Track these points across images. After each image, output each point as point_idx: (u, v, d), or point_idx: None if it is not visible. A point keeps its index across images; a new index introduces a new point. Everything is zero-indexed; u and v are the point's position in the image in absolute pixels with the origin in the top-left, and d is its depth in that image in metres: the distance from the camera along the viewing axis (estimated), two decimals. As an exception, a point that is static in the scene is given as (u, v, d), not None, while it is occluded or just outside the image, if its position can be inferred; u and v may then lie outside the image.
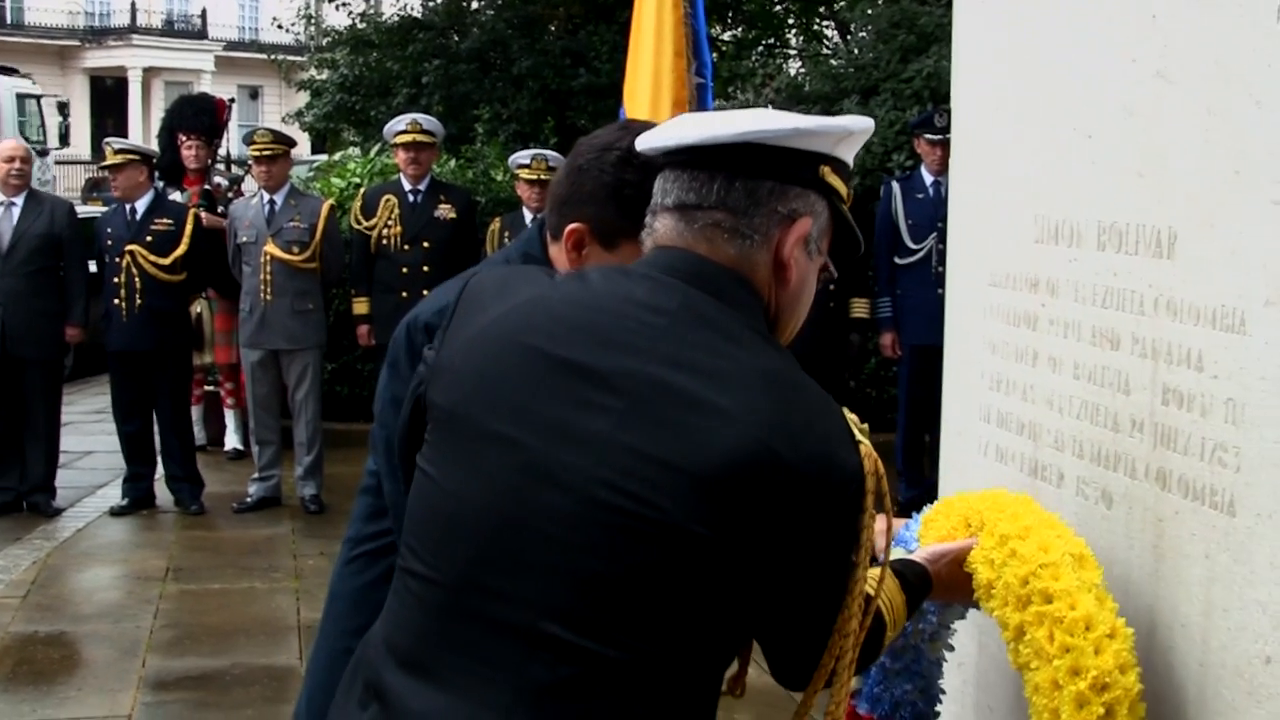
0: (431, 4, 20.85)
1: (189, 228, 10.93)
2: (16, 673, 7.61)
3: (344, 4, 22.31)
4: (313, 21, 24.29)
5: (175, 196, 11.76)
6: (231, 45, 55.60)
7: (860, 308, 10.93)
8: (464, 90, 18.60)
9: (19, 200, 10.79)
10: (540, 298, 2.45)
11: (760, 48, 19.37)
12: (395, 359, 3.49)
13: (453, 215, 11.31)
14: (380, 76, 19.63)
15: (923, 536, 3.44)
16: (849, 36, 18.26)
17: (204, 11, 58.07)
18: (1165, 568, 3.10)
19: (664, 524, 2.21)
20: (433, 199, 11.33)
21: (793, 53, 19.06)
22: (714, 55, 7.28)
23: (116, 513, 10.93)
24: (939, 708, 3.64)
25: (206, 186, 12.22)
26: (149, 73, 56.00)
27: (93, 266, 11.21)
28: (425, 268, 10.93)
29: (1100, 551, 3.18)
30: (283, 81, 21.27)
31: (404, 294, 10.90)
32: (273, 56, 27.19)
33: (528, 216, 10.97)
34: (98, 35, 57.27)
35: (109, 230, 10.94)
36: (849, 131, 2.55)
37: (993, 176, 3.86)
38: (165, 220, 10.92)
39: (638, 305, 2.39)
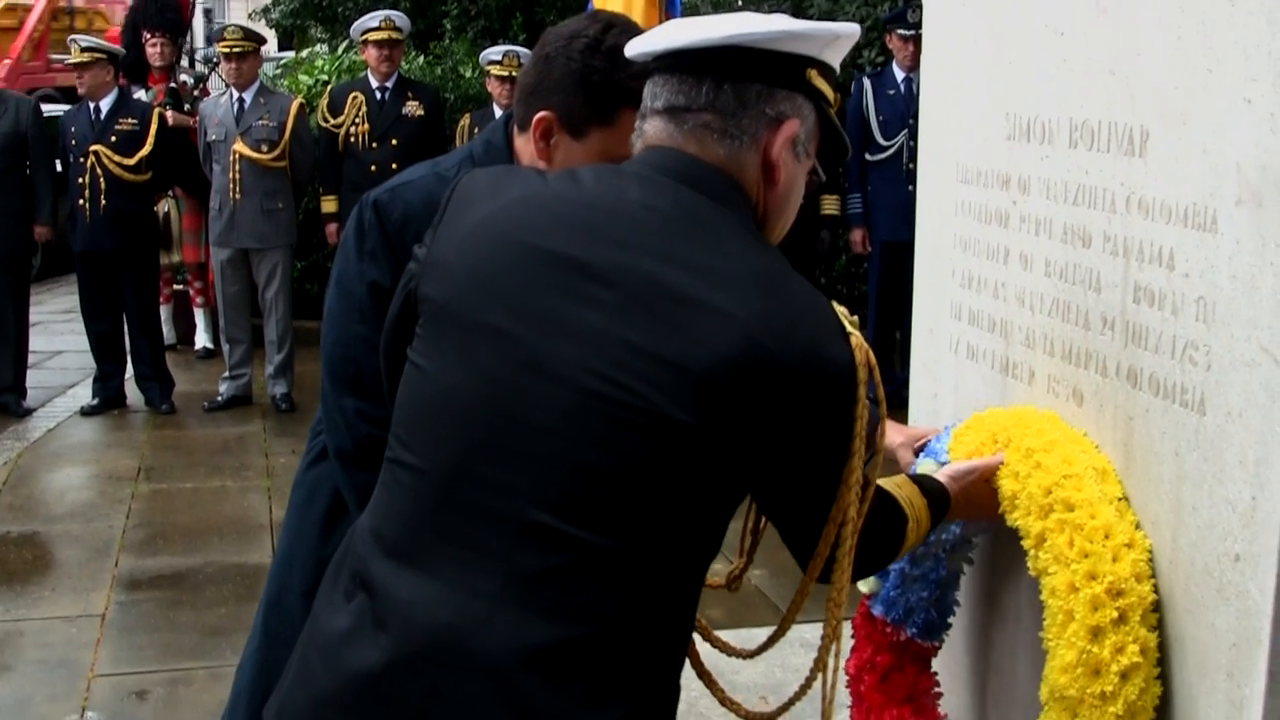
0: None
1: (154, 127, 10.84)
2: (-11, 573, 7.62)
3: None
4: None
5: (140, 95, 11.65)
6: (197, -60, 55.02)
7: (831, 204, 10.90)
8: (431, -14, 18.44)
9: (-18, 100, 10.69)
10: (533, 195, 2.46)
11: (730, -57, 19.23)
12: (345, 238, 3.51)
13: (420, 112, 11.25)
14: (347, -28, 19.44)
15: (952, 450, 3.46)
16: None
17: (168, -95, 57.33)
18: (1135, 466, 3.12)
19: (654, 415, 2.24)
20: (400, 96, 11.26)
21: (763, -53, 18.91)
22: (684, -48, 7.23)
23: (87, 412, 10.91)
24: (951, 619, 3.67)
25: (172, 84, 12.11)
26: (113, -32, 55.40)
27: (58, 166, 11.12)
28: (393, 165, 10.84)
29: (1070, 449, 3.21)
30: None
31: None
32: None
33: (498, 113, 10.88)
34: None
35: (72, 130, 10.84)
36: (836, 35, 2.55)
37: (964, 73, 3.84)
38: (130, 120, 10.83)
39: (631, 202, 2.41)
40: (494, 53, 11.25)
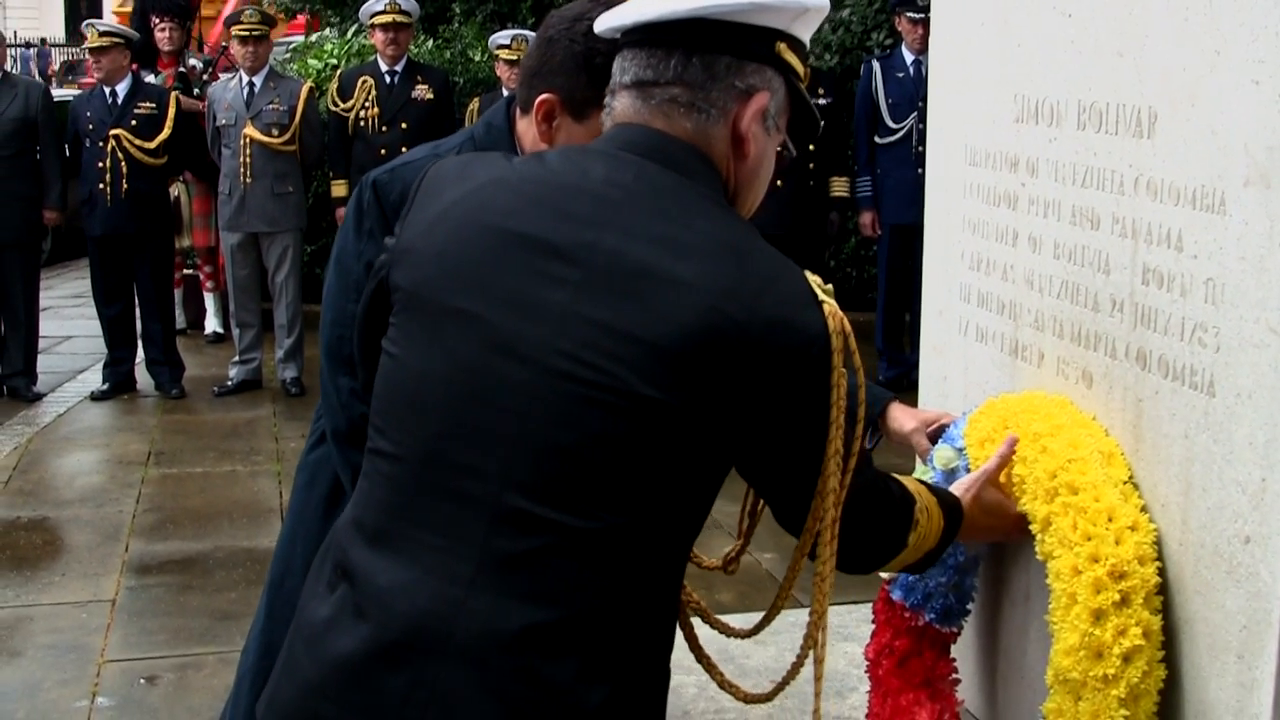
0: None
1: (171, 111, 10.89)
2: None
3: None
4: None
5: (149, 79, 11.65)
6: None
7: (840, 186, 10.90)
8: (440, -31, 18.43)
9: (-8, 84, 10.71)
10: (498, 179, 2.46)
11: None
12: (345, 217, 3.53)
13: (430, 96, 11.24)
14: (355, -45, 19.43)
15: (968, 435, 3.45)
16: (828, -88, 18.08)
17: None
18: (1145, 447, 3.12)
19: (624, 393, 2.23)
20: (410, 80, 11.26)
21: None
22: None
23: (97, 397, 10.94)
24: (970, 605, 3.68)
25: (181, 69, 12.12)
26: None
27: (66, 151, 11.12)
28: (403, 148, 10.81)
29: (1079, 431, 3.21)
30: (257, -39, 20.99)
31: (383, 175, 10.82)
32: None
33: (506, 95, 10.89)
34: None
35: (88, 114, 10.85)
36: (805, 8, 2.53)
37: (973, 56, 3.84)
38: (148, 104, 10.87)
39: (595, 180, 2.40)
40: (502, 37, 11.24)
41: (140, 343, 11.20)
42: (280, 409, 10.69)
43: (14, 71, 12.51)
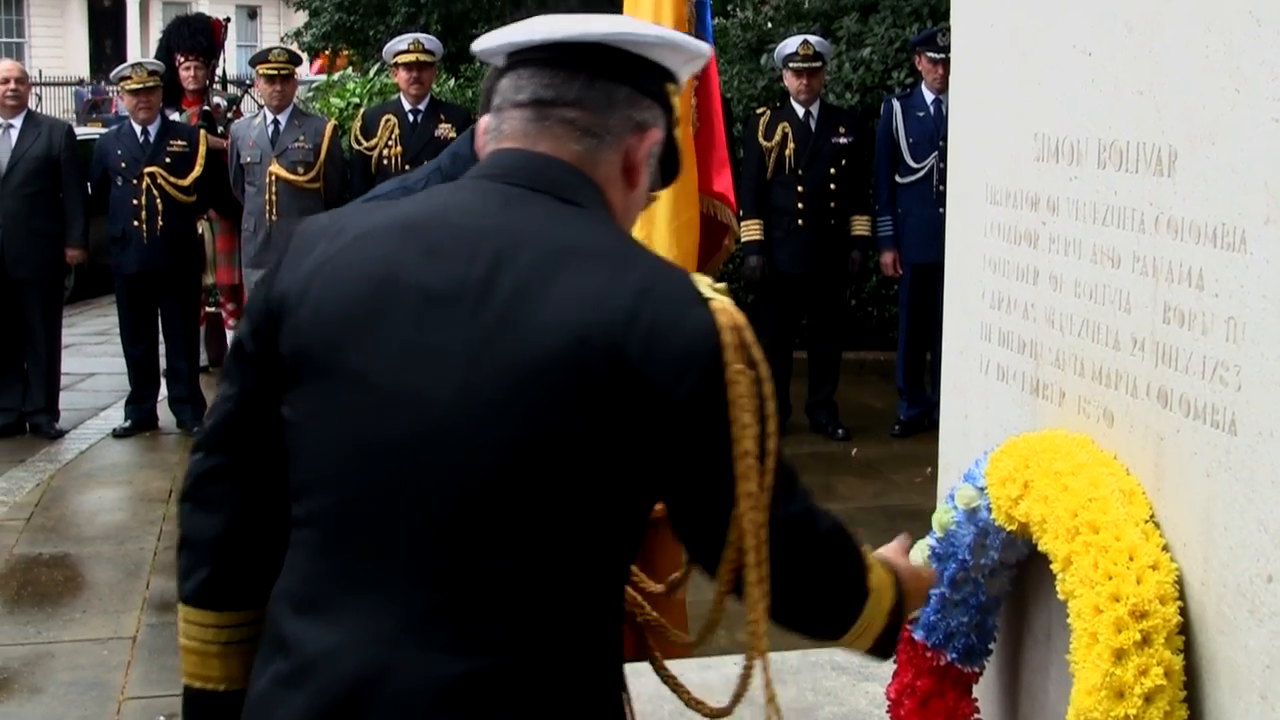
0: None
1: (202, 148, 10.95)
2: (21, 595, 7.64)
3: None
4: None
5: (174, 117, 11.70)
6: (229, -36, 55.23)
7: (861, 225, 10.87)
8: (462, 8, 18.49)
9: (17, 122, 10.75)
10: (370, 228, 2.41)
11: (760, -37, 19.29)
12: None
13: (453, 135, 11.22)
14: (378, -5, 19.53)
15: (988, 474, 3.44)
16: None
17: (201, -70, 57.63)
18: (1166, 486, 3.11)
19: (516, 428, 2.20)
20: (433, 118, 11.27)
21: (793, -32, 18.95)
22: (713, -28, 7.22)
23: (119, 434, 10.95)
24: (992, 645, 3.67)
25: (205, 107, 12.17)
26: (147, -7, 55.68)
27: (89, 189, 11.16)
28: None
29: (1100, 470, 3.20)
30: (281, 1, 21.08)
31: (405, 213, 10.88)
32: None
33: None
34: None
35: (118, 152, 10.89)
36: (698, 54, 2.52)
37: (993, 94, 3.84)
38: (179, 141, 10.92)
39: (462, 213, 2.36)
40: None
41: (165, 380, 11.21)
42: (302, 446, 10.65)
43: (38, 110, 12.57)
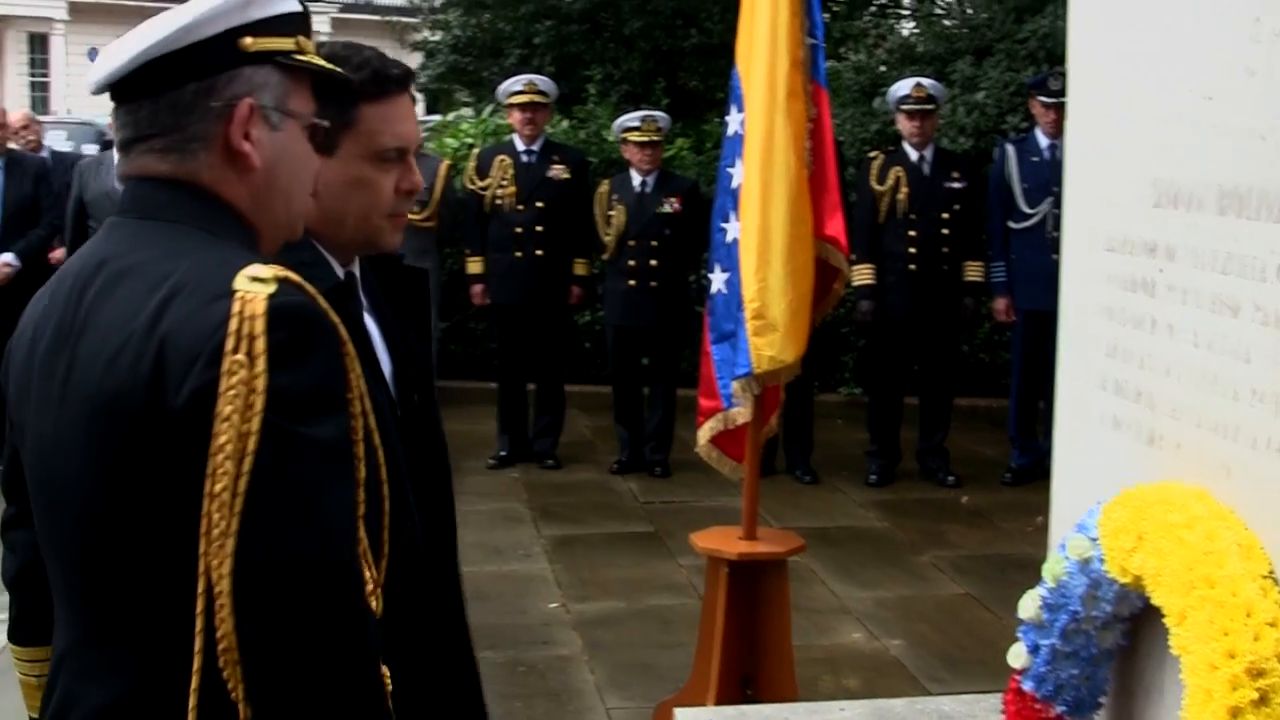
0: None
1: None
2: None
3: (457, -35, 22.27)
4: (426, -17, 24.31)
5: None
6: (347, 8, 55.86)
7: (974, 271, 10.81)
8: (575, 51, 18.54)
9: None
10: (41, 294, 2.47)
11: (872, 7, 19.21)
12: None
13: (566, 175, 11.29)
14: (492, 37, 19.56)
15: (1101, 525, 3.40)
16: (964, -4, 18.08)
17: (320, -28, 58.45)
18: (1285, 541, 3.05)
19: (85, 462, 2.22)
20: (546, 159, 11.31)
21: (905, 12, 18.87)
22: (825, 15, 7.19)
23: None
24: (1102, 698, 3.62)
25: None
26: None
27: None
28: (539, 227, 10.96)
29: (1218, 523, 3.15)
30: (396, 43, 21.24)
31: (517, 253, 11.03)
32: (387, 18, 27.31)
33: (635, 178, 10.97)
34: None
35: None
36: None
37: (1109, 140, 3.80)
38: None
39: (76, 261, 2.39)
40: (631, 119, 11.23)
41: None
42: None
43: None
